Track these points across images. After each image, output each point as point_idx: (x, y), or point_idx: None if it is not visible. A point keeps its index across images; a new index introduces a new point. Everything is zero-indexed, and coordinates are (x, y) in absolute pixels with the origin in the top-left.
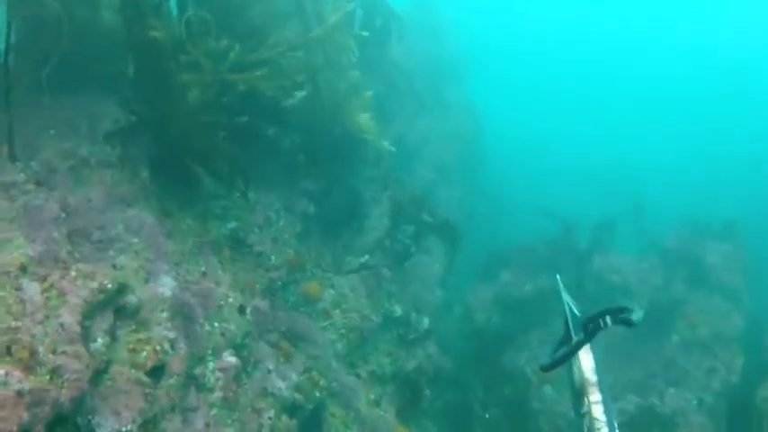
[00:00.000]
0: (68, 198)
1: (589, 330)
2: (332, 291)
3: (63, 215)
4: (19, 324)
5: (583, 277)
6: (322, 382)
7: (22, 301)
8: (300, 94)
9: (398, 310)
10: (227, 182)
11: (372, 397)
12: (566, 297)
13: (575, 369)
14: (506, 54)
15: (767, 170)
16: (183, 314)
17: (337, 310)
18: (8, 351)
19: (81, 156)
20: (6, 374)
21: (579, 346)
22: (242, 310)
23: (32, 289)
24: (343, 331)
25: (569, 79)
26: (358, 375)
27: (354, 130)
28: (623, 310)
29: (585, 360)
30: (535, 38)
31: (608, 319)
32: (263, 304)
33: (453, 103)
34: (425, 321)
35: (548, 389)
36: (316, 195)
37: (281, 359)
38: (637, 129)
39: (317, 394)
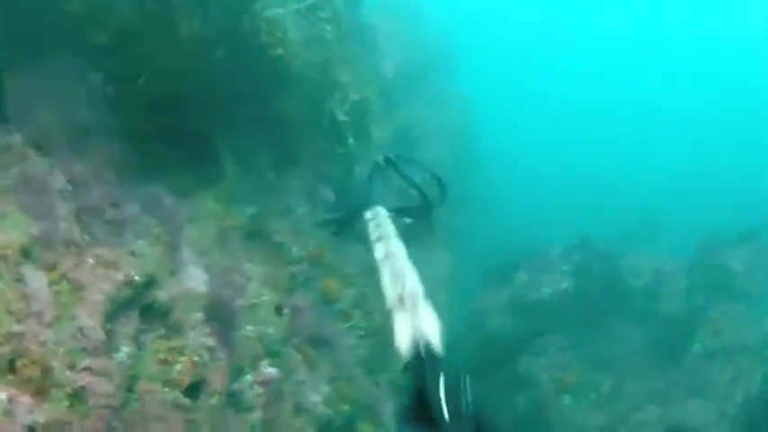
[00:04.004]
0: (75, 167)
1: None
2: (352, 290)
3: (69, 188)
4: (22, 328)
5: (605, 281)
6: (349, 394)
7: (26, 297)
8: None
9: None
10: (249, 160)
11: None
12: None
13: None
14: (501, 54)
15: None
16: (220, 316)
17: (357, 311)
18: (11, 366)
19: (81, 122)
20: (11, 400)
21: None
22: (279, 310)
23: (38, 280)
24: (362, 334)
25: (570, 85)
26: (377, 384)
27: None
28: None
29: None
30: (535, 41)
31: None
32: (303, 304)
33: (449, 97)
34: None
35: (566, 398)
36: (336, 181)
37: (307, 367)
38: (645, 134)
39: (346, 407)
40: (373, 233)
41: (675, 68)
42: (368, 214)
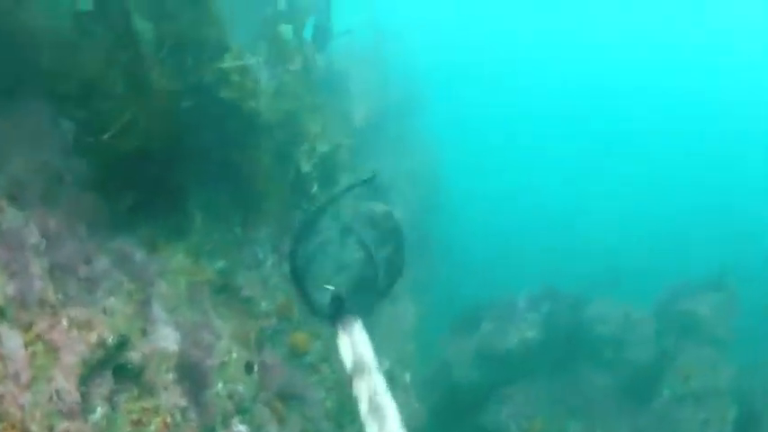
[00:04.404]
0: (49, 220)
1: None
2: (319, 343)
3: (44, 242)
4: (2, 390)
5: (572, 329)
6: None
7: (2, 358)
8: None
9: (386, 364)
10: (218, 212)
11: None
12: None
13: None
14: (467, 99)
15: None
16: (191, 375)
17: (325, 364)
18: None
19: (55, 170)
20: None
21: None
22: (249, 367)
23: (14, 340)
24: (331, 387)
25: (536, 132)
26: None
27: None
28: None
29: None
30: (503, 87)
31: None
32: (272, 360)
33: (415, 140)
34: (407, 376)
35: None
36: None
37: (277, 422)
38: (610, 179)
39: None
40: (347, 356)
41: (637, 114)
42: (340, 327)
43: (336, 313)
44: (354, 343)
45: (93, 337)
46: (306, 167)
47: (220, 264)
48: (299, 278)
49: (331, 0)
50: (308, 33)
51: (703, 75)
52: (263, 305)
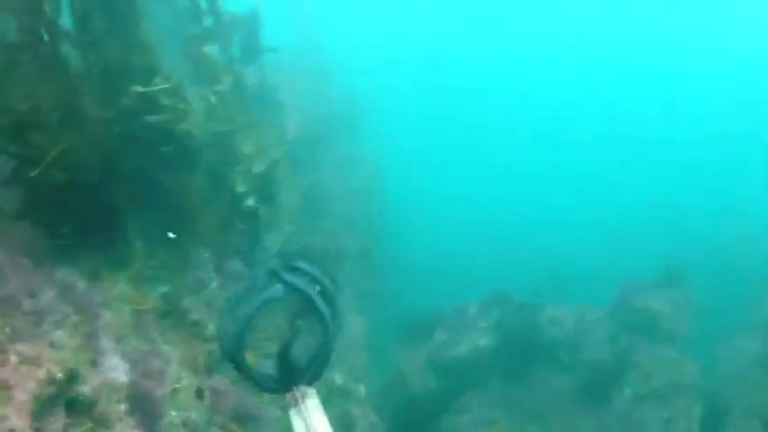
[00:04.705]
0: None
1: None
2: (268, 360)
3: None
4: None
5: (525, 334)
6: None
7: None
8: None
9: (339, 379)
10: (158, 236)
11: None
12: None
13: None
14: (407, 108)
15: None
16: (143, 405)
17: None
18: None
19: None
20: None
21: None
22: (200, 393)
23: None
24: (285, 405)
25: (478, 139)
26: None
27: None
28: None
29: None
30: (444, 94)
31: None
32: (222, 384)
33: (355, 154)
34: (362, 389)
35: None
36: (246, 252)
37: None
38: (553, 179)
39: None
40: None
41: (581, 118)
42: (289, 398)
43: (287, 383)
44: (311, 426)
45: (43, 373)
46: (241, 188)
47: (164, 288)
48: (235, 360)
49: (259, 15)
50: (235, 50)
51: (649, 77)
52: (210, 327)
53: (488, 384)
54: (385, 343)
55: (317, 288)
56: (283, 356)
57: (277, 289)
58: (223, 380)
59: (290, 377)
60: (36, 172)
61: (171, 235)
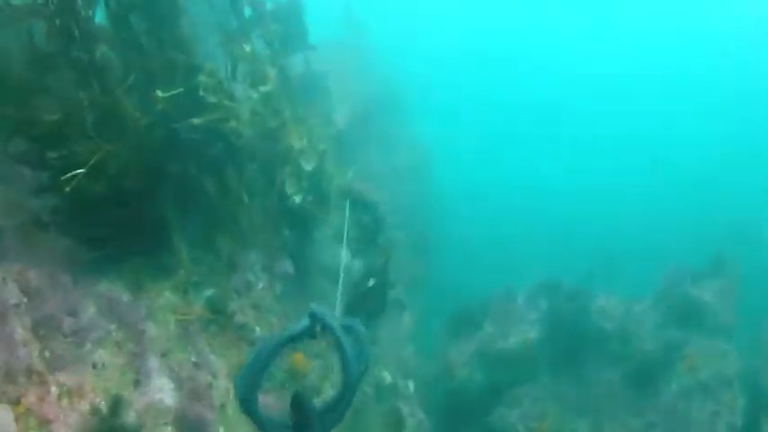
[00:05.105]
0: (28, 273)
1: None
2: (318, 362)
3: (25, 299)
4: None
5: (574, 326)
6: None
7: None
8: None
9: (388, 377)
10: (204, 240)
11: None
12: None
13: None
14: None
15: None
16: (190, 427)
17: (326, 384)
18: None
19: (32, 211)
20: None
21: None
22: None
23: (3, 416)
24: None
25: (531, 124)
26: None
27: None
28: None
29: None
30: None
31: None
32: (268, 400)
33: (403, 137)
34: (411, 386)
35: None
36: (295, 250)
37: None
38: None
39: None
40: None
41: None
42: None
43: None
44: None
45: (85, 406)
46: (291, 189)
47: (209, 292)
48: (247, 408)
49: (301, 2)
50: (278, 41)
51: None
52: (258, 330)
53: (537, 377)
54: (432, 333)
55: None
56: (298, 405)
57: (299, 327)
58: (271, 386)
59: (303, 427)
60: (73, 182)
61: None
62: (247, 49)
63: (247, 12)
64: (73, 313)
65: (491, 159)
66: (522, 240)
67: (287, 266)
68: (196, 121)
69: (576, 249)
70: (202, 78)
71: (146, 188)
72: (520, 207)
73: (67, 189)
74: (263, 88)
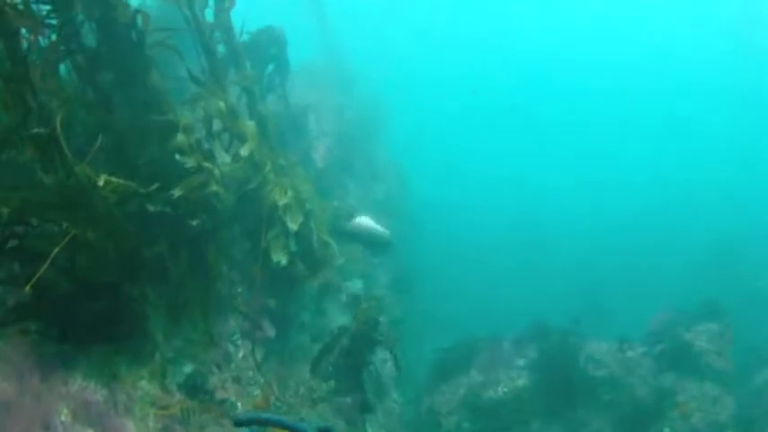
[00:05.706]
0: None
1: None
2: None
3: None
4: None
5: (565, 373)
6: None
7: None
8: None
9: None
10: (182, 315)
11: None
12: None
13: None
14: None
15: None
16: None
17: None
18: None
19: None
20: None
21: None
22: None
23: None
24: None
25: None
26: None
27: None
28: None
29: None
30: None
31: None
32: None
33: (380, 166)
34: None
35: None
36: (276, 312)
37: None
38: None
39: None
40: None
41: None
42: None
43: None
44: None
45: None
46: (277, 256)
47: (188, 369)
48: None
49: (283, 36)
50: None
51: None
52: (240, 406)
53: (527, 425)
54: (415, 380)
55: None
56: None
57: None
58: None
59: None
60: (39, 269)
61: None
62: (222, 105)
63: (221, 49)
64: (46, 427)
65: (468, 182)
66: (506, 276)
67: (268, 330)
68: (176, 192)
69: (562, 285)
70: (179, 138)
71: (118, 280)
72: (503, 239)
73: (27, 288)
74: (242, 151)
